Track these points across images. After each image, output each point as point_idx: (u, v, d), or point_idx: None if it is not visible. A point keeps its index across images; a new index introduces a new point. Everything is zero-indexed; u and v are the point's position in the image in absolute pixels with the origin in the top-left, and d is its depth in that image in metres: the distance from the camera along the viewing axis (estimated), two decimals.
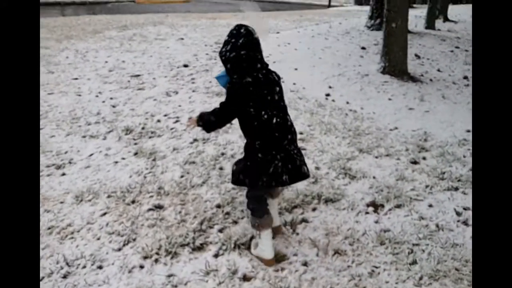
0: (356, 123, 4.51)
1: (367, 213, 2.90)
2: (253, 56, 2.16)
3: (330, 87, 5.71)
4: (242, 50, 2.13)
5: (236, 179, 2.35)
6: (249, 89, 2.15)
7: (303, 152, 3.70)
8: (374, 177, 3.36)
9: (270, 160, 2.22)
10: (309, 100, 5.17)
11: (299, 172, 2.32)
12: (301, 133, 4.13)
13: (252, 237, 2.55)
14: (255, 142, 2.24)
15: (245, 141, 2.37)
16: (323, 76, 6.19)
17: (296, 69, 6.47)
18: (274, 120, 2.22)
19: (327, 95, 5.40)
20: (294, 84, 5.80)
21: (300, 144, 3.87)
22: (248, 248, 2.50)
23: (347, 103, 5.20)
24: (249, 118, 2.21)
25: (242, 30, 2.15)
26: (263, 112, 2.18)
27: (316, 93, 5.44)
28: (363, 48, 8.19)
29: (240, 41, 2.13)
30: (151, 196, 3.07)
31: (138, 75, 6.11)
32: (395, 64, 6.51)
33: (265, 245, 2.36)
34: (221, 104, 2.29)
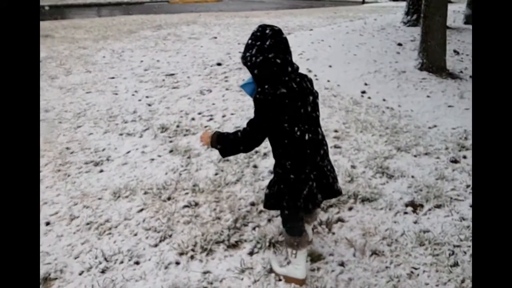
0: (393, 120, 4.40)
1: (405, 213, 2.82)
2: (283, 59, 1.90)
3: (365, 84, 5.59)
4: (270, 53, 1.86)
5: (271, 204, 2.12)
6: (285, 102, 1.90)
7: (338, 150, 3.67)
8: (412, 176, 3.26)
9: (304, 180, 2.01)
10: (344, 97, 5.08)
11: (331, 189, 2.14)
12: (336, 131, 4.07)
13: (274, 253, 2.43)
14: (286, 163, 2.01)
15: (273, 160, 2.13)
16: (358, 73, 6.07)
17: (330, 66, 6.38)
18: (307, 137, 1.98)
19: (363, 92, 5.29)
20: (329, 81, 5.72)
21: (335, 142, 3.83)
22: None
23: (384, 100, 5.08)
24: (280, 135, 1.96)
25: (267, 31, 1.88)
26: (296, 128, 1.94)
27: (351, 90, 5.34)
28: (400, 44, 7.98)
29: (267, 43, 1.86)
30: (186, 193, 3.10)
31: (173, 74, 6.19)
32: (433, 60, 6.31)
33: (300, 264, 2.18)
34: (251, 123, 1.97)
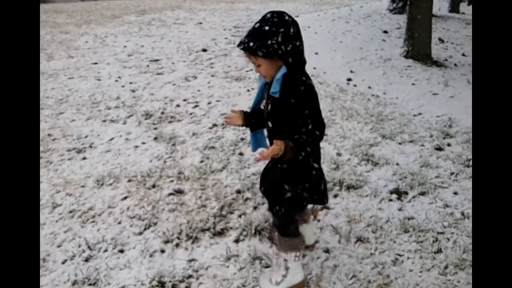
0: (378, 108, 4.41)
1: (390, 200, 2.84)
2: (303, 50, 1.78)
3: (351, 71, 5.59)
4: (297, 41, 1.71)
5: (281, 201, 1.93)
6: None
7: (324, 138, 3.66)
8: (397, 164, 3.28)
9: (322, 175, 1.97)
10: (330, 85, 5.08)
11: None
12: None
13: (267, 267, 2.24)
14: (310, 158, 1.89)
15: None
16: (344, 60, 6.07)
17: (316, 53, 6.35)
18: None
19: (349, 79, 5.29)
20: (315, 68, 5.70)
21: None
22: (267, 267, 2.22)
23: (369, 88, 5.09)
24: None
25: (287, 18, 1.72)
26: None
27: (337, 77, 5.33)
28: (385, 32, 7.99)
29: (291, 30, 1.69)
30: (172, 181, 3.06)
31: (157, 60, 6.09)
32: (418, 48, 6.34)
33: (298, 267, 2.06)
34: (315, 118, 1.75)
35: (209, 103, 4.48)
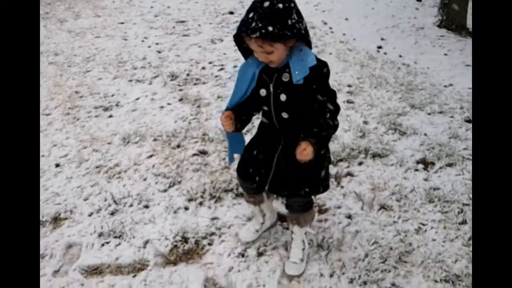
0: (408, 77, 4.28)
1: (416, 170, 2.79)
2: None
3: (382, 39, 5.42)
4: (303, 17, 1.53)
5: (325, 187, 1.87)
6: None
7: (351, 105, 3.60)
8: (425, 134, 3.21)
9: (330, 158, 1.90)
10: (359, 52, 4.93)
11: None
12: (349, 86, 3.98)
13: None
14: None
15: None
16: (375, 27, 5.87)
17: (346, 19, 6.16)
18: None
19: (379, 47, 5.13)
20: (344, 34, 5.54)
21: (348, 97, 3.76)
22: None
23: (400, 56, 4.93)
24: None
25: None
26: None
27: (367, 45, 5.18)
28: (419, 0, 7.66)
29: (296, 4, 1.51)
30: (196, 142, 3.08)
31: (183, 21, 6.02)
32: (453, 17, 6.06)
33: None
34: (334, 101, 1.64)
35: (234, 66, 4.43)
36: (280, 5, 1.42)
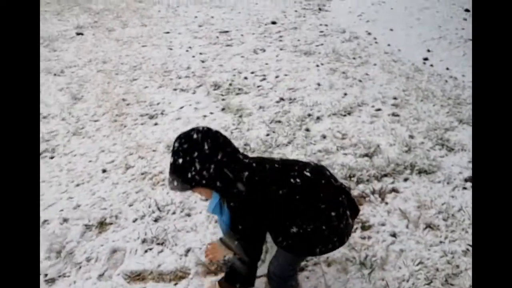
0: (456, 91, 4.14)
1: (464, 188, 2.68)
2: (230, 152, 1.62)
3: (428, 50, 5.27)
4: (218, 153, 1.54)
5: None
6: None
7: (396, 118, 3.52)
8: None
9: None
10: (405, 63, 4.83)
11: None
12: (395, 98, 3.89)
13: None
14: None
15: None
16: (421, 38, 5.72)
17: (391, 29, 6.05)
18: None
19: (425, 59, 5.00)
20: (389, 45, 5.44)
21: (393, 109, 3.70)
22: None
23: (447, 69, 4.77)
24: None
25: (195, 136, 1.52)
26: None
27: (412, 56, 5.05)
28: (467, 10, 7.41)
29: (206, 147, 1.52)
30: None
31: (227, 31, 6.11)
32: None
33: None
34: (247, 249, 1.74)
35: (276, 76, 4.44)
36: (180, 160, 1.51)
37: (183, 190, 1.60)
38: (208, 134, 1.54)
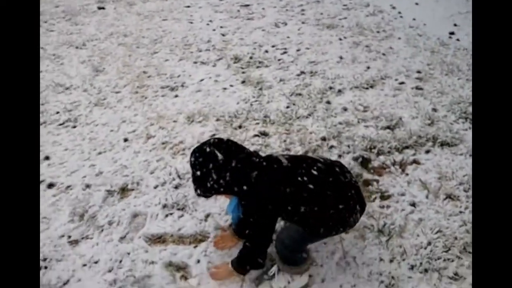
0: None
1: None
2: (243, 158, 1.73)
3: (455, 25, 5.11)
4: (231, 161, 1.67)
5: None
6: None
7: (420, 91, 3.46)
8: None
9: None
10: (430, 37, 4.69)
11: None
12: (419, 72, 3.81)
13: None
14: None
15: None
16: (447, 12, 5.54)
17: (416, 3, 5.87)
18: None
19: (451, 33, 4.84)
20: (414, 19, 5.29)
21: (417, 83, 3.64)
22: None
23: None
24: None
25: (208, 150, 1.68)
26: None
27: (438, 30, 4.90)
28: None
29: (219, 157, 1.66)
30: (257, 123, 3.10)
31: (248, 5, 6.04)
32: None
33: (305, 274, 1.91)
34: (255, 238, 1.83)
35: (298, 50, 4.39)
36: (198, 173, 1.68)
37: (206, 197, 1.78)
38: (220, 145, 1.69)
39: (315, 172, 1.70)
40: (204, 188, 1.69)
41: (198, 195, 1.75)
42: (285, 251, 1.78)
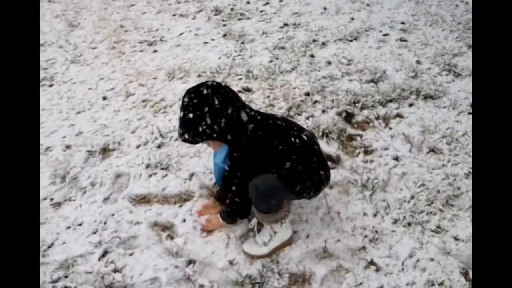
0: (467, 15, 3.95)
1: (469, 113, 2.64)
2: (239, 107, 1.69)
3: None
4: (227, 108, 1.62)
5: None
6: None
7: (404, 43, 3.41)
8: None
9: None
10: None
11: None
12: (403, 23, 3.73)
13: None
14: None
15: None
16: None
17: None
18: None
19: None
20: None
21: (401, 34, 3.58)
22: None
23: None
24: None
25: (205, 92, 1.59)
26: None
27: None
28: None
29: (216, 102, 1.59)
30: (240, 79, 3.04)
31: None
32: None
33: (287, 226, 1.88)
34: (238, 191, 1.83)
35: (280, 0, 4.24)
36: (191, 115, 1.58)
37: (194, 143, 1.67)
38: (218, 89, 1.60)
39: (305, 138, 1.72)
40: (194, 132, 1.61)
41: (184, 140, 1.65)
42: (258, 197, 1.71)
